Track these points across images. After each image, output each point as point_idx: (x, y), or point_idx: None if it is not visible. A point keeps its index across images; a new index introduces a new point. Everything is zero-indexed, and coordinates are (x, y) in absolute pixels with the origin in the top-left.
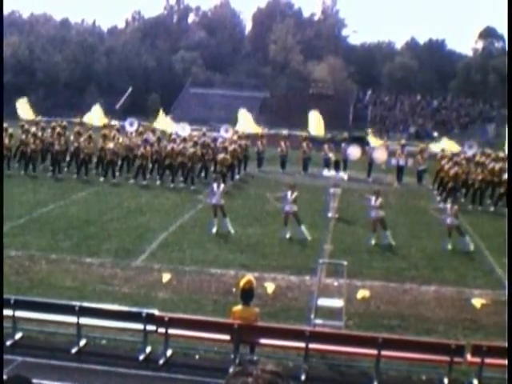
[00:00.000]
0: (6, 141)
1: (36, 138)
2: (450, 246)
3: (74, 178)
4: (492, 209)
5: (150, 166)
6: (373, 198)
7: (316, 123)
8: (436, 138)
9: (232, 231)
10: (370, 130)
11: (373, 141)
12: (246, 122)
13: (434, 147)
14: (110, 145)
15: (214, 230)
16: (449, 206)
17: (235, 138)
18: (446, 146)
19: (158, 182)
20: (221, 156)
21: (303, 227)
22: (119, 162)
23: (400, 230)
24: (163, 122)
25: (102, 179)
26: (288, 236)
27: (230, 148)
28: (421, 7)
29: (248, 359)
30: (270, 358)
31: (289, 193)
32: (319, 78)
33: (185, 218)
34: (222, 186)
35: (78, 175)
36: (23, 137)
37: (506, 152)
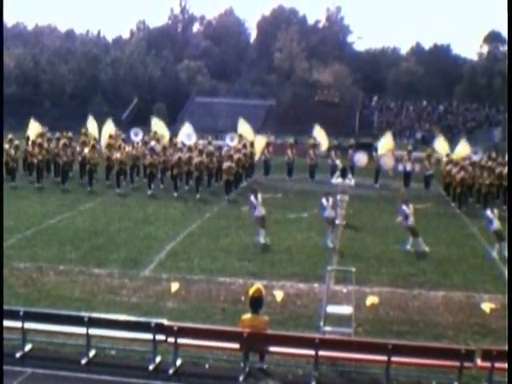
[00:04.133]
0: (12, 152)
1: (42, 148)
2: (495, 253)
3: (80, 189)
4: (504, 207)
5: (159, 175)
6: (404, 206)
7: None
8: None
9: (263, 242)
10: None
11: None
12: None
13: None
14: (117, 155)
15: (263, 240)
16: (489, 210)
17: (240, 146)
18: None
19: (176, 194)
20: (226, 165)
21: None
22: (127, 171)
23: (407, 236)
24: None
25: (117, 190)
26: (331, 245)
27: (235, 157)
28: (425, 12)
29: (257, 367)
30: (280, 366)
31: (324, 200)
32: (325, 85)
33: (192, 227)
34: (260, 196)
35: (87, 186)
36: (29, 148)
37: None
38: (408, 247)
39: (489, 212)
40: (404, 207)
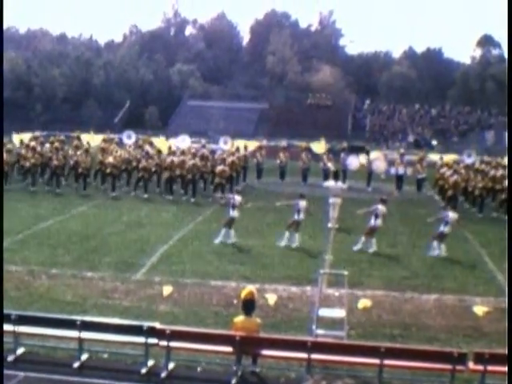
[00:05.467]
0: (5, 156)
1: (35, 152)
2: (443, 253)
3: (73, 192)
4: (495, 214)
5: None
6: (380, 206)
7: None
8: (435, 147)
9: (229, 242)
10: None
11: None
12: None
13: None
14: (110, 159)
15: (234, 239)
16: (450, 212)
17: (233, 149)
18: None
19: (170, 197)
20: (219, 168)
21: (297, 236)
22: (119, 175)
23: (400, 239)
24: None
25: (111, 193)
26: (295, 245)
27: (229, 160)
28: (418, 16)
29: (250, 371)
30: (273, 370)
31: (299, 202)
32: (317, 89)
33: (185, 231)
34: (239, 198)
35: (78, 189)
36: (22, 151)
37: (507, 158)
38: (359, 247)
39: (450, 214)
40: (379, 206)
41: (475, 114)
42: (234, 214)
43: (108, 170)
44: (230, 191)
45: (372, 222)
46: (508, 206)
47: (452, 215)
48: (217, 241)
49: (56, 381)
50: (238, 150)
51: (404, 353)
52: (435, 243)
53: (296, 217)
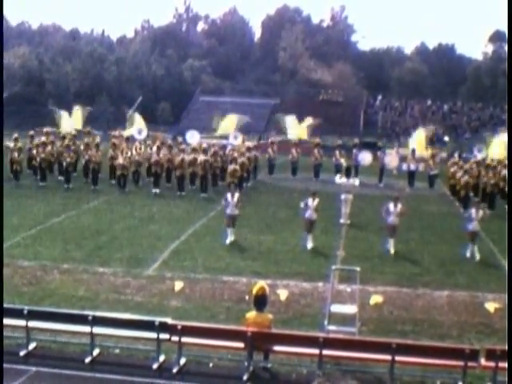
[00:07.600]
0: (16, 155)
1: (45, 147)
2: (469, 254)
3: (85, 187)
4: (506, 207)
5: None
6: (391, 205)
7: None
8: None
9: (227, 242)
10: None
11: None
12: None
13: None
14: (120, 160)
15: (228, 240)
16: (474, 210)
17: (243, 150)
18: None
19: (183, 193)
20: (231, 167)
21: (310, 236)
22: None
23: (412, 235)
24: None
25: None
26: (310, 246)
27: (239, 161)
28: (430, 12)
29: (262, 366)
30: (285, 366)
31: (310, 200)
32: (329, 84)
33: (196, 226)
34: (237, 195)
35: (92, 185)
36: (34, 152)
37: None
38: (391, 249)
39: (473, 211)
40: (390, 204)
41: (487, 110)
42: (235, 211)
43: (118, 172)
44: (240, 189)
45: (387, 220)
46: (508, 206)
47: (474, 211)
48: (228, 241)
49: (67, 376)
50: (249, 150)
51: (415, 349)
52: (470, 244)
53: (306, 215)
